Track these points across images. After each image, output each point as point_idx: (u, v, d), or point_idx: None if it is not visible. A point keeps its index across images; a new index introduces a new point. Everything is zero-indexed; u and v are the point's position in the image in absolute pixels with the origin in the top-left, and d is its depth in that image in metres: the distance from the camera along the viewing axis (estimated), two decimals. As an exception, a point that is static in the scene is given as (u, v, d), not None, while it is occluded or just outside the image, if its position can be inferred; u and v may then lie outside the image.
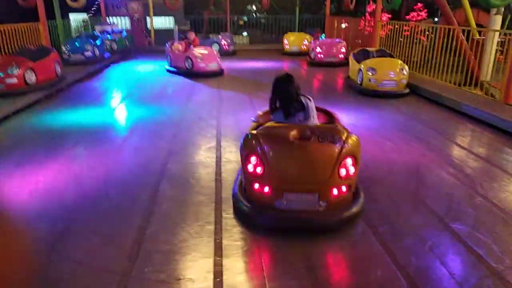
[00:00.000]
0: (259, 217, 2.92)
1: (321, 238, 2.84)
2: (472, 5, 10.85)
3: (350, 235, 2.90)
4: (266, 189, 2.90)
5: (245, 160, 2.93)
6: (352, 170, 2.89)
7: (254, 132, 3.00)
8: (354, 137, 2.98)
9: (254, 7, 25.46)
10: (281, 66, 11.57)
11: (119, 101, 7.26)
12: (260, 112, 3.68)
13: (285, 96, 3.15)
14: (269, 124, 3.07)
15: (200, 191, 3.59)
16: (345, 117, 5.96)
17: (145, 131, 5.40)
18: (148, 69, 10.83)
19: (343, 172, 2.86)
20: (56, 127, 5.56)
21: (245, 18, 22.94)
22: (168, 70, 10.04)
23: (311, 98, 3.21)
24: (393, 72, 7.35)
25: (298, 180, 2.85)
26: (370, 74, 7.39)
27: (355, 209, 2.96)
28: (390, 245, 2.75)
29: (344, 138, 2.90)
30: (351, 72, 8.49)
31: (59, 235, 2.87)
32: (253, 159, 2.89)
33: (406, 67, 7.51)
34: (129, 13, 16.47)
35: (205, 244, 2.76)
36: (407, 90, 7.47)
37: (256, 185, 2.93)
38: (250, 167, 2.91)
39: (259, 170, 2.87)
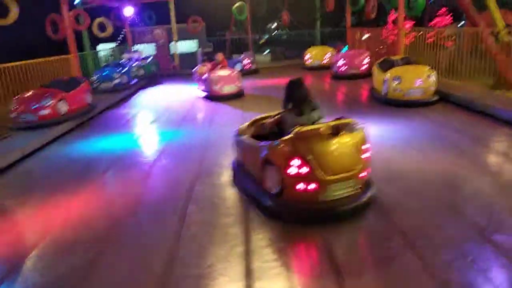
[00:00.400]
0: (303, 214, 3.19)
1: (355, 251, 2.73)
2: (501, 6, 10.51)
3: (386, 249, 2.78)
4: (312, 186, 3.10)
5: (284, 166, 3.12)
6: (369, 154, 3.32)
7: (290, 136, 3.19)
8: (363, 126, 3.41)
9: (275, 24, 25.77)
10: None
11: (147, 126, 7.43)
12: (242, 126, 4.12)
13: (298, 97, 3.49)
14: (297, 128, 3.19)
15: (226, 212, 3.56)
16: (372, 129, 5.84)
17: (173, 154, 5.47)
18: (174, 93, 11.07)
19: (365, 155, 3.28)
20: (87, 155, 5.73)
21: (266, 37, 23.21)
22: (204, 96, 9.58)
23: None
24: (420, 79, 7.14)
25: (340, 171, 3.14)
26: (396, 83, 7.21)
27: (374, 188, 3.39)
28: (428, 260, 2.61)
29: (360, 127, 3.34)
30: (376, 82, 8.33)
31: (92, 262, 2.90)
32: (295, 161, 3.10)
33: (434, 73, 7.29)
34: (154, 39, 17.03)
35: (234, 267, 2.71)
36: (436, 97, 7.22)
37: (301, 185, 3.12)
38: (292, 170, 3.11)
39: (303, 170, 3.09)
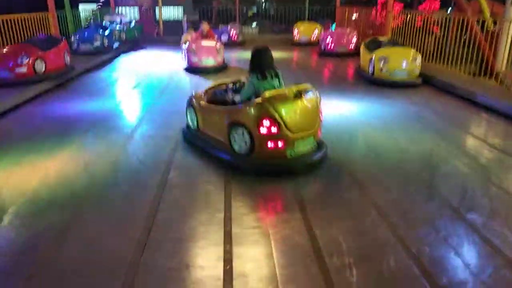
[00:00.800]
0: (275, 169, 3.58)
1: (333, 225, 2.79)
2: (487, -6, 10.58)
3: (362, 223, 2.85)
4: (280, 143, 3.46)
5: (257, 125, 3.44)
6: (322, 114, 3.80)
7: (259, 100, 3.49)
8: (317, 91, 3.77)
9: (263, -2, 25.25)
10: (290, 57, 11.45)
11: (128, 91, 7.25)
12: (197, 93, 4.43)
13: (262, 63, 3.79)
14: (266, 93, 3.51)
15: (209, 179, 3.56)
16: (356, 107, 5.90)
17: (154, 120, 5.38)
18: (157, 59, 10.79)
19: (321, 116, 3.76)
20: (66, 117, 5.56)
21: (254, 9, 22.76)
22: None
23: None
24: (405, 61, 7.20)
25: (304, 129, 3.56)
26: (382, 63, 7.25)
27: (325, 147, 3.86)
28: (403, 234, 2.69)
29: (316, 92, 3.72)
30: (362, 61, 8.35)
31: (69, 222, 2.86)
32: (265, 122, 3.42)
33: (419, 57, 7.36)
34: (138, 3, 16.43)
35: (215, 232, 2.73)
36: (420, 80, 7.32)
37: (270, 143, 3.46)
38: (263, 130, 3.43)
39: (274, 129, 3.42)
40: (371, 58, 7.52)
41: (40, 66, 7.18)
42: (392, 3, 10.61)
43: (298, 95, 3.54)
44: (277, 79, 3.83)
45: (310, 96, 3.62)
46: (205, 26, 9.33)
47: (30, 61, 6.93)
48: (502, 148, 4.37)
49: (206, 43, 8.75)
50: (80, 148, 4.38)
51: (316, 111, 3.67)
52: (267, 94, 3.47)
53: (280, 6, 18.83)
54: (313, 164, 3.67)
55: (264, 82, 3.72)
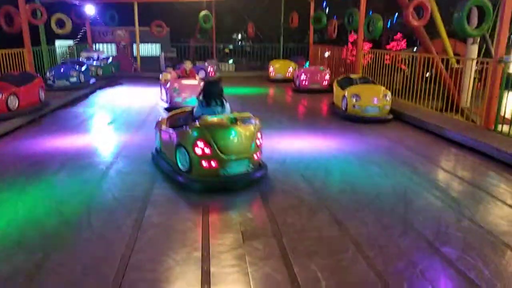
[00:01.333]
0: (209, 185, 3.99)
1: (312, 261, 2.78)
2: (450, 35, 11.33)
3: (341, 259, 2.85)
4: (213, 163, 3.88)
5: (193, 146, 3.88)
6: (261, 140, 4.23)
7: (197, 123, 3.98)
8: (257, 120, 4.22)
9: (239, 36, 26.01)
10: (266, 93, 11.71)
11: (104, 127, 7.17)
12: (161, 119, 4.98)
13: (209, 92, 4.34)
14: (203, 118, 4.01)
15: (186, 216, 3.51)
16: (331, 142, 6.04)
17: (130, 156, 5.31)
18: (134, 95, 10.80)
19: (258, 142, 4.13)
20: (38, 153, 5.42)
21: (231, 46, 23.36)
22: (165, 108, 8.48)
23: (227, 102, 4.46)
24: (376, 98, 7.50)
25: (237, 152, 3.93)
26: (354, 100, 7.52)
27: (265, 168, 4.31)
28: (381, 270, 2.71)
29: (255, 120, 4.15)
30: (336, 98, 8.63)
31: (38, 265, 2.73)
32: (200, 143, 3.86)
33: (389, 93, 7.69)
34: (116, 40, 16.59)
35: (192, 272, 2.67)
36: (391, 116, 7.61)
37: (204, 163, 3.89)
38: (198, 150, 3.88)
39: (207, 150, 3.85)
40: (344, 95, 7.80)
41: (14, 102, 7.05)
42: (361, 42, 11.15)
43: (234, 121, 3.97)
44: (220, 107, 4.34)
45: (247, 124, 4.06)
46: (188, 65, 9.31)
47: (3, 97, 6.80)
48: (472, 181, 4.54)
49: (188, 81, 8.52)
50: (52, 186, 4.25)
51: (251, 137, 4.05)
52: (204, 119, 3.99)
53: (255, 44, 19.44)
54: (247, 183, 4.09)
55: (207, 109, 4.28)
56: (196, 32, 19.03)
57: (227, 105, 4.46)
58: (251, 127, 4.08)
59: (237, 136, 3.94)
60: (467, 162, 5.33)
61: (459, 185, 4.43)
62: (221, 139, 3.88)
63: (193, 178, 4.00)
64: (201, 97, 4.38)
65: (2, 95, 6.80)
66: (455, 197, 4.06)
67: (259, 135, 4.18)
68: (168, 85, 8.48)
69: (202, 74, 12.83)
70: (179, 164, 4.15)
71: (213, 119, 4.01)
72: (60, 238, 3.12)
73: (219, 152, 3.87)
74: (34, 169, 4.74)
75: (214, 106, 4.30)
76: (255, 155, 4.12)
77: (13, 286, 2.52)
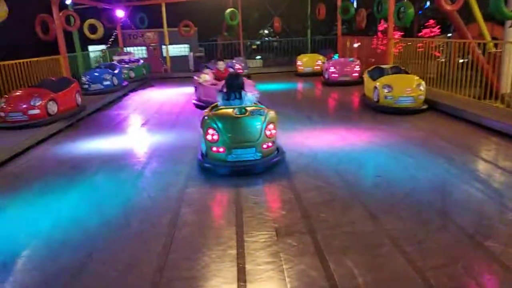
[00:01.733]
0: (219, 169, 4.43)
1: (348, 257, 2.75)
2: (486, 19, 10.78)
3: (377, 255, 2.80)
4: (221, 149, 4.38)
5: (205, 133, 4.45)
6: (273, 132, 4.55)
7: (209, 113, 4.64)
8: (272, 112, 4.69)
9: (266, 31, 25.91)
10: (295, 88, 11.63)
11: (138, 128, 7.38)
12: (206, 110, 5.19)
13: (229, 86, 5.04)
14: (217, 109, 4.73)
15: (220, 214, 3.56)
16: (363, 135, 5.92)
17: (164, 156, 5.44)
18: (165, 95, 11.03)
19: (268, 133, 4.47)
20: (78, 156, 5.65)
21: (258, 42, 23.33)
22: (195, 105, 8.78)
23: (251, 94, 5.27)
24: (409, 88, 7.27)
25: (242, 141, 4.37)
26: (386, 91, 7.32)
27: (278, 157, 4.60)
28: (420, 266, 2.64)
29: (266, 112, 4.60)
30: (367, 90, 8.44)
31: (81, 264, 2.86)
32: (210, 131, 4.41)
33: (423, 83, 7.43)
34: (145, 42, 16.97)
35: (227, 269, 2.70)
36: (426, 106, 7.35)
37: (214, 148, 4.41)
38: (209, 137, 4.42)
39: (215, 137, 4.38)
40: (375, 86, 7.61)
41: (53, 108, 7.37)
42: (391, 31, 10.83)
43: (244, 112, 4.51)
44: (238, 100, 4.98)
45: (255, 115, 4.50)
46: (221, 65, 9.08)
47: (43, 103, 7.12)
48: (514, 171, 4.32)
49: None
50: (92, 188, 4.43)
51: (259, 128, 4.45)
52: (216, 110, 4.68)
53: (283, 38, 19.31)
54: (252, 169, 4.41)
55: (227, 102, 4.98)
56: (223, 30, 19.12)
57: (247, 97, 5.08)
58: (261, 118, 4.49)
59: (243, 126, 4.43)
60: (509, 152, 5.07)
61: (500, 175, 4.23)
62: (228, 128, 4.40)
63: (207, 161, 4.52)
64: (224, 90, 5.06)
65: (42, 101, 7.12)
66: (497, 188, 3.88)
67: (271, 126, 4.51)
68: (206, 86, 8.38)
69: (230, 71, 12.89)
70: (202, 149, 4.71)
71: (224, 110, 4.65)
72: (101, 238, 3.25)
73: (226, 139, 4.34)
74: (74, 172, 4.95)
75: (232, 99, 4.98)
76: (264, 145, 4.43)
77: (59, 284, 2.66)
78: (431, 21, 17.29)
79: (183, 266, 2.78)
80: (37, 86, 7.85)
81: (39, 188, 4.44)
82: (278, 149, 4.75)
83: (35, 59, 9.12)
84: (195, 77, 9.32)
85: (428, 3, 20.42)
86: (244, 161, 4.39)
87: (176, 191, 4.14)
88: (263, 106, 4.74)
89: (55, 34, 10.17)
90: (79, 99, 8.44)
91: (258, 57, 21.28)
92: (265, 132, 4.45)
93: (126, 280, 2.66)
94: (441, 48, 10.52)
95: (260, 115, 4.53)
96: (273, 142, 4.59)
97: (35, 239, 3.27)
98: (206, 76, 8.85)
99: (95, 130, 7.24)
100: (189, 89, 12.00)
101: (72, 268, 2.81)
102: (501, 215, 3.32)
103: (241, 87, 5.02)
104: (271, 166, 4.52)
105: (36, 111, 7.01)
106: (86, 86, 10.68)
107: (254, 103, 5.22)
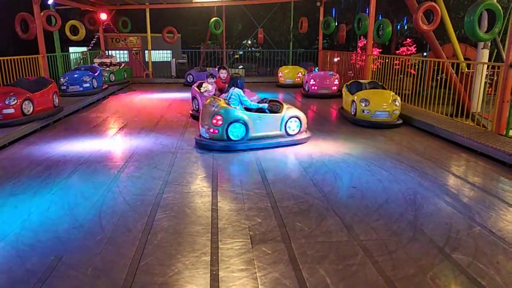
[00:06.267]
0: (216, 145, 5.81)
1: (321, 267, 2.78)
2: (460, 41, 11.25)
3: (349, 265, 2.85)
4: (216, 131, 5.73)
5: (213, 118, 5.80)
6: (297, 124, 6.29)
7: (224, 104, 5.94)
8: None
9: (249, 42, 26.15)
10: (276, 98, 11.72)
11: (116, 131, 7.28)
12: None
13: (229, 83, 6.23)
14: (210, 99, 6.28)
15: (195, 220, 3.54)
16: (340, 147, 6.04)
17: (141, 160, 5.38)
18: (146, 100, 10.92)
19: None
20: (52, 157, 5.52)
21: (241, 52, 23.49)
22: (192, 116, 8.30)
23: (237, 89, 6.08)
24: (385, 103, 7.48)
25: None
26: (363, 105, 7.51)
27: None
28: (390, 276, 2.70)
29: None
30: (345, 103, 8.63)
31: (50, 267, 2.79)
32: (217, 117, 5.72)
33: (398, 98, 7.66)
34: (128, 46, 16.82)
35: (200, 276, 2.69)
36: (400, 121, 7.58)
37: (212, 130, 5.75)
38: (214, 121, 5.75)
39: (220, 122, 5.72)
40: (353, 100, 7.79)
41: (28, 107, 7.20)
42: (370, 47, 11.14)
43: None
44: (225, 94, 6.41)
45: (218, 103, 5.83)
46: (223, 73, 8.44)
47: (18, 102, 6.95)
48: (483, 187, 4.50)
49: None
50: (65, 190, 4.33)
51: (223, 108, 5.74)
52: (210, 99, 6.16)
53: (265, 49, 19.52)
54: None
55: (223, 94, 6.58)
56: (206, 38, 19.19)
57: (231, 91, 6.06)
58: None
59: (217, 109, 5.77)
60: (478, 168, 5.28)
61: (470, 190, 4.39)
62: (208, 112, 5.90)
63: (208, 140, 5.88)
64: (228, 85, 6.26)
65: (17, 100, 6.95)
66: (466, 202, 4.02)
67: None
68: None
69: (212, 79, 12.89)
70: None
71: (214, 98, 6.18)
72: (72, 241, 3.18)
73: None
74: (47, 173, 4.84)
75: (225, 92, 6.41)
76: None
77: (25, 287, 2.58)
78: (408, 40, 17.88)
79: (156, 271, 2.75)
80: (13, 85, 7.66)
81: (9, 189, 4.31)
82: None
83: (13, 57, 8.90)
84: (194, 87, 8.47)
85: (406, 22, 21.12)
86: (236, 140, 5.85)
87: (152, 196, 4.10)
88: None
89: (34, 33, 9.96)
90: (56, 100, 8.27)
91: (241, 66, 21.42)
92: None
93: (96, 284, 2.61)
94: (416, 67, 10.88)
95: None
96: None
97: (1, 241, 3.16)
98: (209, 86, 8.07)
99: (72, 132, 7.10)
100: (171, 95, 11.97)
101: (41, 272, 2.73)
102: (469, 228, 3.44)
103: (233, 85, 6.06)
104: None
105: (11, 110, 6.84)
106: (65, 87, 10.48)
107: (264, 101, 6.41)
